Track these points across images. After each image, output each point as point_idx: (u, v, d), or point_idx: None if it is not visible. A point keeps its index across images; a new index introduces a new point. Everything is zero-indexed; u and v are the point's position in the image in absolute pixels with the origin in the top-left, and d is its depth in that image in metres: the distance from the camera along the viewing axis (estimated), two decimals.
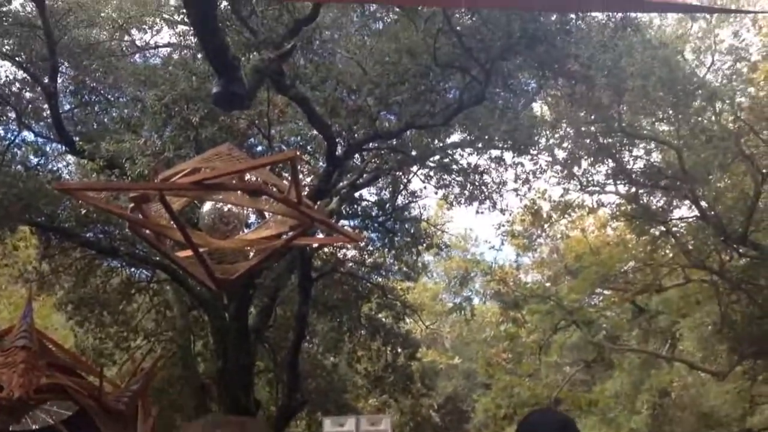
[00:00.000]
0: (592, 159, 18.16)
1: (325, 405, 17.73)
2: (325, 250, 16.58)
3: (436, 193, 17.10)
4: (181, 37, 15.83)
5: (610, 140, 17.68)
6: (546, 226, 21.89)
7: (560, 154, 18.28)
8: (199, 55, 12.66)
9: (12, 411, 10.45)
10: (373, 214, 17.06)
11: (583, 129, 17.43)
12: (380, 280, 18.69)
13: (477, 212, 16.76)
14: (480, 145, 15.66)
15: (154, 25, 16.64)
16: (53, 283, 17.53)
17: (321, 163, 15.09)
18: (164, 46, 16.99)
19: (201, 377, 17.07)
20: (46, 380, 10.74)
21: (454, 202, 17.12)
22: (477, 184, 16.45)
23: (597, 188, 19.22)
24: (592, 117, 16.89)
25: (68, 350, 13.72)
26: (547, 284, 24.89)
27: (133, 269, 17.30)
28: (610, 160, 18.23)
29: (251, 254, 6.90)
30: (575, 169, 18.52)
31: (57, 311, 19.74)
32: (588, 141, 17.84)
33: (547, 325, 22.40)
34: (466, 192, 16.62)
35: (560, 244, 25.03)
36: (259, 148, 14.70)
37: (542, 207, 20.06)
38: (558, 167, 18.33)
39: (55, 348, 12.36)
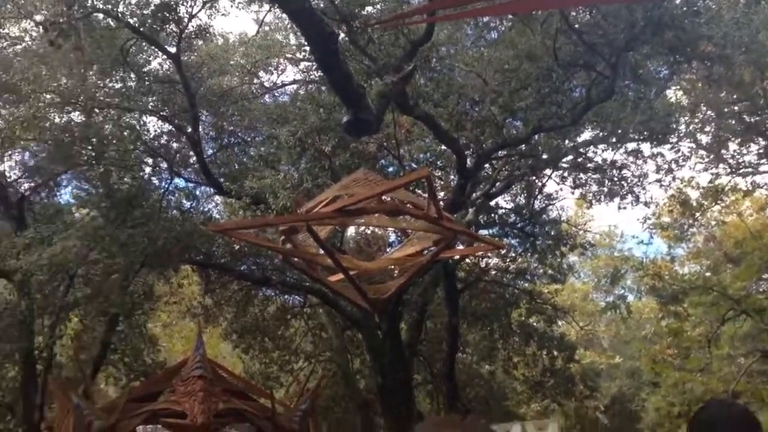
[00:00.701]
0: (739, 140, 17.10)
1: (487, 413, 17.69)
2: (467, 261, 16.62)
3: (572, 192, 16.75)
4: (306, 73, 16.55)
5: (757, 118, 16.58)
6: (698, 214, 20.74)
7: (703, 139, 17.37)
8: (324, 88, 13.16)
9: None
10: (511, 220, 16.92)
11: (725, 110, 16.46)
12: (526, 285, 18.46)
13: (619, 208, 16.26)
14: (614, 140, 15.18)
15: (279, 65, 17.49)
16: (217, 315, 18.73)
17: (452, 177, 15.20)
18: (291, 83, 17.82)
19: (363, 393, 17.56)
20: (224, 405, 11.51)
21: (593, 200, 16.67)
22: (616, 179, 15.95)
23: (749, 169, 18.04)
24: (734, 97, 15.94)
25: (239, 376, 14.64)
26: (707, 274, 23.46)
27: (286, 296, 18.15)
28: (760, 139, 17.08)
29: (396, 272, 7.11)
30: (722, 152, 17.51)
31: (223, 340, 21.07)
32: (733, 122, 16.83)
33: (713, 317, 21.10)
34: (605, 188, 16.15)
35: (716, 231, 23.58)
36: (391, 168, 15.04)
37: (690, 195, 19.07)
38: (703, 152, 17.41)
39: (227, 375, 13.21)
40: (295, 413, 12.23)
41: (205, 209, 16.77)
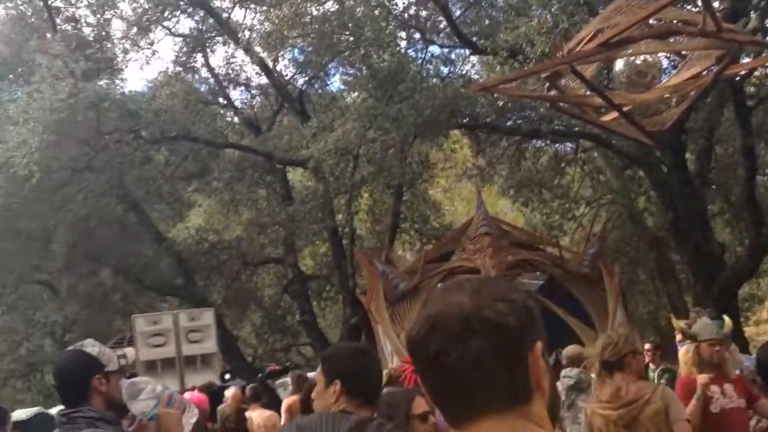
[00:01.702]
0: None
1: None
2: (757, 73, 14.69)
3: None
4: None
5: None
6: None
7: None
8: None
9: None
10: None
11: None
12: None
13: None
14: None
15: None
16: (491, 174, 19.13)
17: None
18: None
19: (653, 231, 17.00)
20: (513, 258, 12.01)
21: None
22: None
23: None
24: None
25: (522, 229, 15.02)
26: None
27: (558, 144, 17.84)
28: None
29: (673, 101, 6.58)
30: None
31: (501, 197, 21.60)
32: None
33: None
34: None
35: None
36: None
37: None
38: None
39: (511, 229, 13.69)
40: (584, 258, 12.36)
41: (463, 71, 16.84)
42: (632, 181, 17.89)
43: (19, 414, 14.05)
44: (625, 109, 5.62)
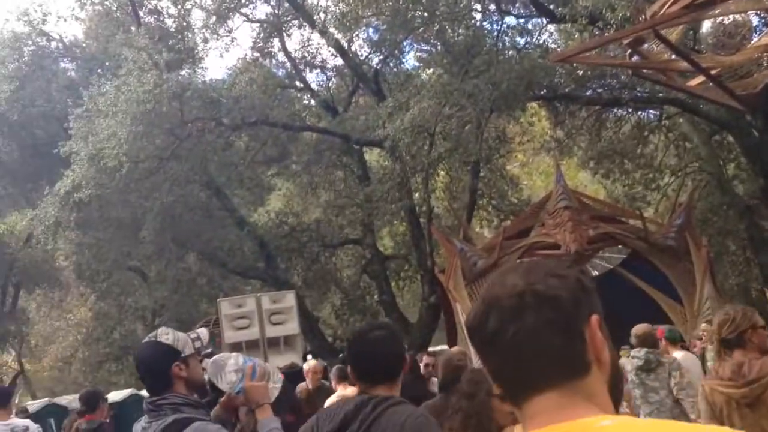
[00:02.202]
0: None
1: None
2: None
3: None
4: None
5: None
6: None
7: None
8: None
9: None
10: None
11: None
12: None
13: None
14: None
15: None
16: (571, 146, 18.72)
17: None
18: None
19: (744, 199, 16.28)
20: (594, 231, 11.73)
21: None
22: None
23: None
24: None
25: (604, 201, 14.66)
26: None
27: (640, 112, 17.26)
28: None
29: (765, 62, 6.26)
30: None
31: (581, 170, 21.12)
32: None
33: None
34: None
35: None
36: None
37: None
38: None
39: (592, 202, 13.37)
40: (669, 229, 11.94)
41: (541, 42, 16.48)
42: (721, 147, 17.16)
43: (114, 395, 14.84)
44: (714, 72, 5.39)
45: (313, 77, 19.87)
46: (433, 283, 14.46)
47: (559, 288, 1.12)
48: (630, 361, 5.97)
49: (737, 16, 5.27)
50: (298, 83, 18.95)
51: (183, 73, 15.13)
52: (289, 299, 10.56)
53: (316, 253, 17.30)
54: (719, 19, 5.24)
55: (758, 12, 6.86)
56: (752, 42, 5.65)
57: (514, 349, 1.11)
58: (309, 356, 10.51)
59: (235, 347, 9.81)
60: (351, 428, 2.45)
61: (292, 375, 8.12)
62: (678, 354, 6.62)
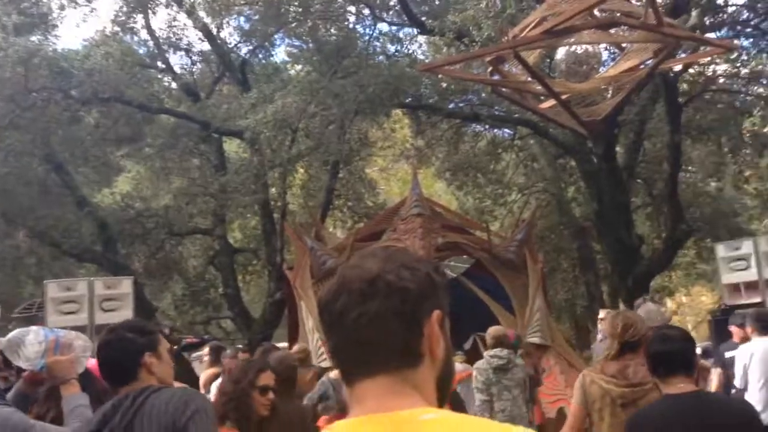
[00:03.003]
0: None
1: (714, 231, 16.83)
2: (691, 70, 15.20)
3: None
4: None
5: None
6: None
7: None
8: None
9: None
10: (743, 17, 15.03)
11: None
12: (761, 90, 16.61)
13: None
14: None
15: None
16: (429, 156, 19.25)
17: None
18: None
19: (579, 220, 17.46)
20: (442, 240, 12.11)
21: None
22: None
23: None
24: None
25: (454, 212, 15.17)
26: None
27: (496, 130, 18.06)
28: None
29: (609, 93, 6.72)
30: None
31: (437, 179, 21.78)
32: None
33: None
34: None
35: None
36: None
37: None
38: None
39: (443, 212, 13.79)
40: (511, 243, 12.57)
41: (410, 51, 16.81)
42: (564, 170, 18.31)
43: None
44: (563, 97, 5.70)
45: (176, 59, 19.00)
46: (280, 280, 14.30)
47: (408, 280, 1.17)
48: (488, 360, 6.38)
49: (589, 47, 5.60)
50: (159, 64, 18.10)
51: (33, 38, 14.04)
52: (126, 285, 10.01)
53: (161, 240, 16.58)
54: (573, 48, 5.55)
55: (608, 47, 7.31)
56: (600, 73, 6.04)
57: (355, 332, 1.15)
58: None
59: None
60: (111, 424, 2.39)
61: None
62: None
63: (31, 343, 2.84)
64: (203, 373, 8.32)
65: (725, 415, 2.68)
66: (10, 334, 2.92)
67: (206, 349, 9.40)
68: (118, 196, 17.30)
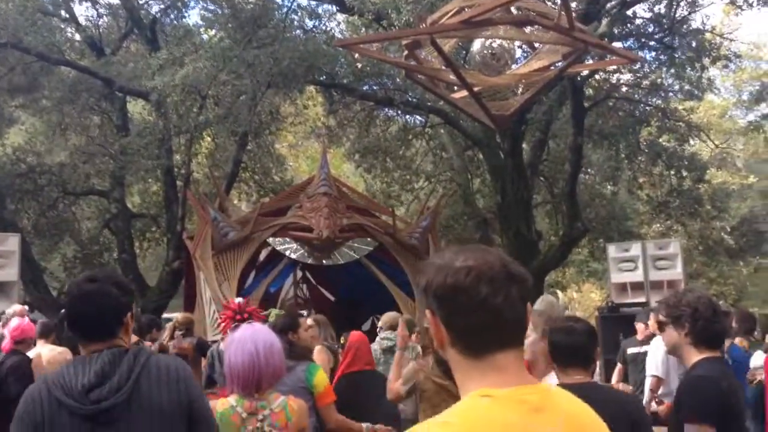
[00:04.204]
0: None
1: (607, 232, 17.64)
2: (597, 76, 15.81)
3: None
4: None
5: None
6: None
7: None
8: None
9: (322, 249, 12.09)
10: (648, 31, 15.70)
11: None
12: (660, 102, 17.46)
13: None
14: None
15: None
16: (340, 136, 19.18)
17: None
18: None
19: (482, 212, 17.86)
20: (347, 221, 12.14)
21: (743, 5, 15.03)
22: None
23: None
24: None
25: (361, 194, 15.21)
26: None
27: (408, 116, 18.18)
28: None
29: (520, 90, 6.87)
30: None
31: (346, 161, 21.75)
32: None
33: None
34: None
35: None
36: None
37: None
38: None
39: (350, 192, 13.81)
40: (415, 230, 12.77)
41: (328, 28, 16.60)
42: (471, 162, 18.67)
43: None
44: (475, 89, 5.77)
45: (82, 10, 18.14)
46: (179, 249, 13.94)
47: (525, 272, 1.44)
48: (378, 341, 6.80)
49: (504, 43, 5.68)
50: (63, 13, 17.13)
51: None
52: (12, 243, 9.54)
53: (54, 198, 15.80)
54: (488, 42, 5.61)
55: (521, 44, 7.45)
56: (512, 69, 6.15)
57: (499, 313, 1.37)
58: (26, 307, 9.57)
59: None
60: (113, 380, 2.30)
61: None
62: None
63: None
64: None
65: (612, 407, 2.78)
66: None
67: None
68: (9, 149, 16.31)
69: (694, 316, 2.94)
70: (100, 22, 17.99)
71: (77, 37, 17.12)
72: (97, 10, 17.77)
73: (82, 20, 17.39)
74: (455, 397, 1.40)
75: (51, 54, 14.80)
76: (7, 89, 15.81)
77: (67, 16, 17.13)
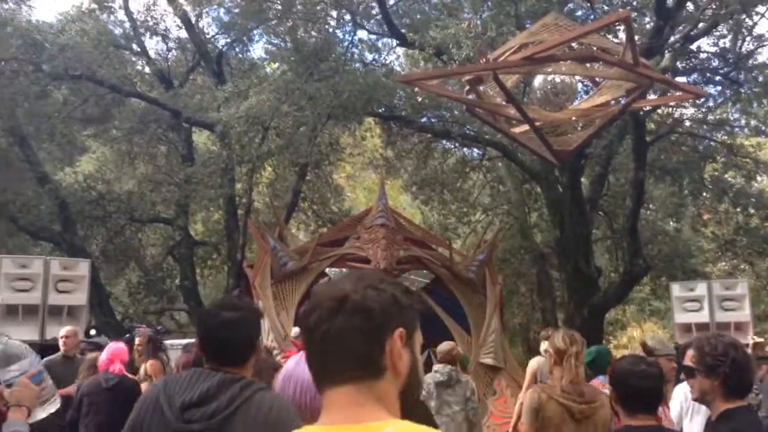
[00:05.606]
0: None
1: (670, 270, 17.17)
2: (659, 111, 15.55)
3: None
4: None
5: None
6: None
7: None
8: None
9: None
10: (713, 65, 15.43)
11: None
12: (725, 137, 17.06)
13: None
14: None
15: None
16: (398, 167, 19.30)
17: (648, 19, 13.96)
18: None
19: (540, 246, 17.65)
20: (404, 253, 12.15)
21: None
22: None
23: None
24: None
25: (418, 226, 15.23)
26: None
27: (466, 149, 18.20)
28: None
29: (580, 125, 6.84)
30: None
31: (404, 192, 21.84)
32: None
33: None
34: None
35: None
36: (579, 12, 14.07)
37: None
38: None
39: (407, 224, 13.83)
40: (472, 263, 12.67)
41: (387, 62, 16.85)
42: (529, 195, 18.51)
43: None
44: (537, 124, 5.78)
45: (152, 44, 18.75)
46: (239, 277, 14.16)
47: (373, 300, 1.30)
48: (432, 374, 6.53)
49: (566, 78, 5.69)
50: (135, 46, 17.85)
51: (6, 6, 13.74)
52: (83, 268, 9.86)
53: (121, 225, 16.32)
54: (550, 77, 5.63)
55: (583, 81, 7.44)
56: (574, 105, 6.14)
57: (322, 344, 1.29)
58: (92, 331, 9.87)
59: (10, 310, 9.02)
60: (212, 405, 2.32)
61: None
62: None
63: (22, 365, 2.77)
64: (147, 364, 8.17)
65: None
66: (8, 345, 2.85)
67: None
68: (80, 177, 16.97)
69: (732, 366, 2.84)
70: (169, 56, 18.67)
71: (147, 69, 17.82)
72: (166, 43, 18.47)
73: (152, 53, 18.10)
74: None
75: (123, 86, 15.44)
76: (80, 119, 16.51)
77: (139, 49, 17.84)
